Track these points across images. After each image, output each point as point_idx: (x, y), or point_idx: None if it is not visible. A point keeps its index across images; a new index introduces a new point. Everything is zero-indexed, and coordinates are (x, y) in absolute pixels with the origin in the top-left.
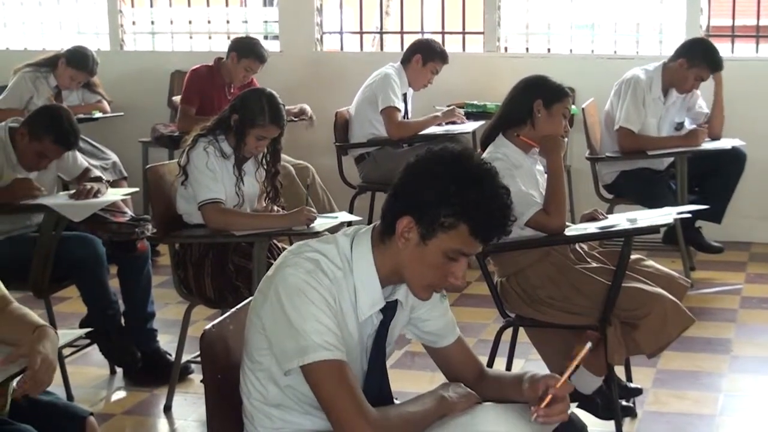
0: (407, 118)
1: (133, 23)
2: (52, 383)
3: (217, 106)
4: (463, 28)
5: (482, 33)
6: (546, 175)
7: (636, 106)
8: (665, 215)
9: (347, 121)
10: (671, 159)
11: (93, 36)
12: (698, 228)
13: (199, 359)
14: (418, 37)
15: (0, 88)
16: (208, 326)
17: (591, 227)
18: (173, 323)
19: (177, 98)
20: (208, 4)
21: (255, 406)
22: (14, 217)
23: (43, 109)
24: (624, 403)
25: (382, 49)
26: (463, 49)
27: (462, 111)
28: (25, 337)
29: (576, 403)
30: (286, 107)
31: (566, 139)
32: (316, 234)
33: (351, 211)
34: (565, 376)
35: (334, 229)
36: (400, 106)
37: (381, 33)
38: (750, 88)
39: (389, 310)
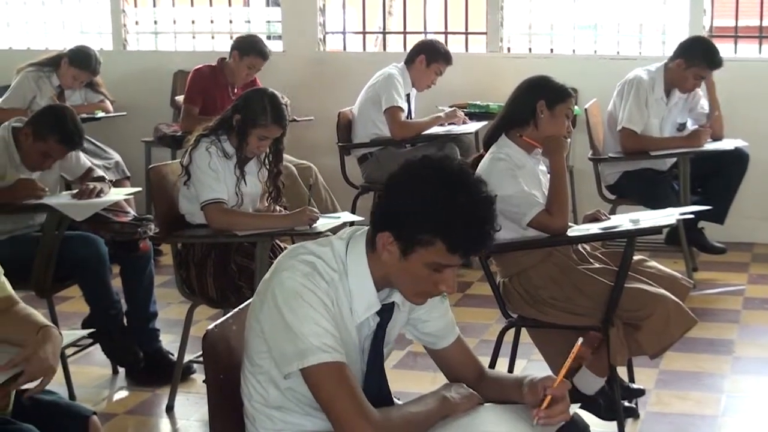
0: (410, 118)
1: (136, 23)
2: (51, 383)
3: (220, 106)
4: (466, 29)
5: (485, 33)
6: (549, 176)
7: (639, 107)
8: (668, 216)
9: (350, 121)
10: (674, 159)
11: (96, 35)
12: (701, 229)
13: (201, 359)
14: (421, 37)
15: (3, 87)
16: (211, 326)
17: (594, 228)
18: (175, 323)
19: (180, 98)
20: (211, 4)
21: (256, 408)
22: (17, 217)
23: (48, 109)
24: (626, 403)
25: (384, 49)
26: (466, 50)
27: (464, 113)
28: (30, 337)
29: (578, 404)
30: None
31: (569, 140)
32: (319, 234)
33: (353, 211)
34: (560, 375)
35: (336, 230)
36: (404, 106)
37: (384, 33)
38: (753, 88)
39: (386, 312)
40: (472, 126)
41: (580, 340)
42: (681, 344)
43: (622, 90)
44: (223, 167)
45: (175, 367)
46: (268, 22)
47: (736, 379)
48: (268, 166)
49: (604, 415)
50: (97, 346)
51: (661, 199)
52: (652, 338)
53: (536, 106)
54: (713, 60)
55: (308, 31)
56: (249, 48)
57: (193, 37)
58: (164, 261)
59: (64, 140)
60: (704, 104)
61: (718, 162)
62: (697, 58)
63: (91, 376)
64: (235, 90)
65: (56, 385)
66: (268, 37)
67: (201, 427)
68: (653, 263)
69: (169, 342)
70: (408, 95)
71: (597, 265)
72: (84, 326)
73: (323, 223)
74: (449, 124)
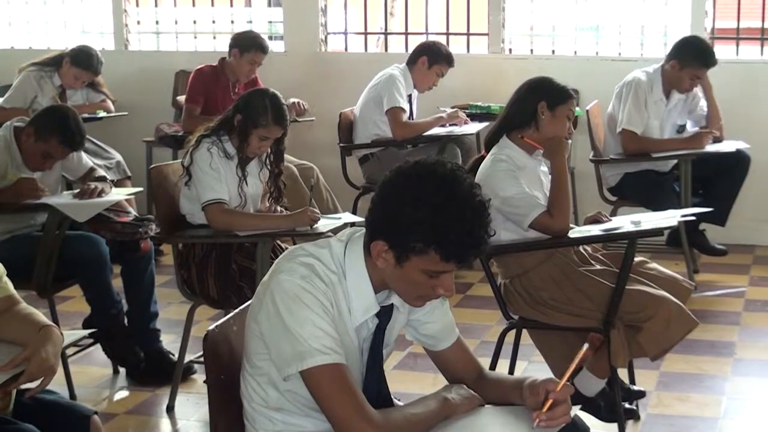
0: (412, 119)
1: (138, 23)
2: (52, 383)
3: (222, 106)
4: (468, 30)
5: (487, 34)
6: (550, 177)
7: (638, 108)
8: (669, 218)
9: (351, 122)
10: (675, 160)
11: (97, 35)
12: (702, 230)
13: (202, 359)
14: (423, 38)
15: (5, 87)
16: (212, 327)
17: (595, 229)
18: (176, 323)
19: (181, 98)
20: (212, 4)
21: (256, 409)
22: (18, 216)
23: (50, 110)
24: (627, 405)
25: (386, 49)
26: (468, 51)
27: (465, 113)
28: (31, 337)
29: (579, 406)
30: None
31: (570, 141)
32: (320, 235)
33: (354, 212)
34: (564, 378)
35: (337, 230)
36: (406, 107)
37: (385, 34)
38: (755, 90)
39: (384, 314)
40: (474, 127)
41: (586, 345)
42: (682, 346)
43: (621, 92)
44: (224, 168)
45: (175, 368)
46: (270, 22)
47: (737, 381)
48: (269, 167)
49: (604, 416)
50: (98, 346)
51: (662, 200)
52: (652, 340)
53: (537, 107)
54: (706, 59)
55: (310, 32)
56: (249, 44)
57: (195, 37)
58: (165, 261)
59: (66, 141)
60: (704, 106)
61: (720, 164)
62: (690, 58)
63: (91, 376)
64: (237, 89)
65: (57, 385)
66: (270, 38)
67: (201, 428)
68: (654, 265)
69: (169, 342)
70: (410, 96)
71: (598, 267)
72: (85, 326)
73: (324, 224)
74: (450, 125)
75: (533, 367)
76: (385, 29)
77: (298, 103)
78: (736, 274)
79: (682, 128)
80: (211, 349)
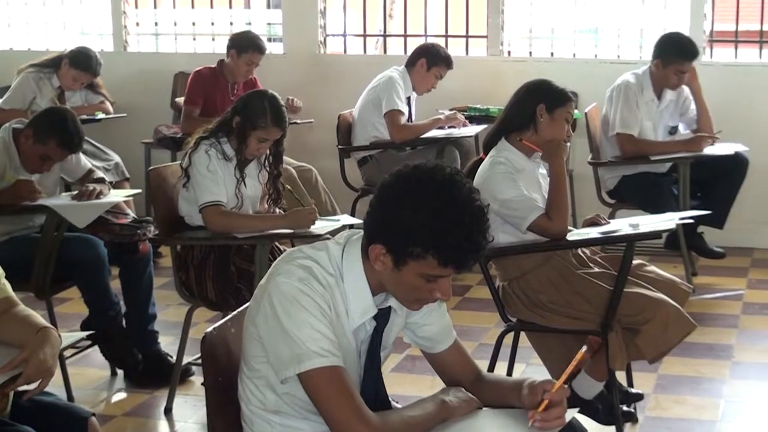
0: (411, 121)
1: (137, 24)
2: (49, 385)
3: (221, 108)
4: (467, 32)
5: (485, 37)
6: (548, 179)
7: (630, 110)
8: (667, 220)
9: (350, 124)
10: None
11: (96, 37)
12: (700, 233)
13: (200, 361)
14: (422, 40)
15: (3, 88)
16: (210, 329)
17: (593, 232)
18: (174, 325)
19: (180, 100)
20: (211, 6)
21: (254, 412)
22: (16, 218)
23: (49, 112)
24: (625, 408)
25: (385, 52)
26: (467, 53)
27: (464, 116)
28: (29, 338)
29: (577, 409)
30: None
31: (569, 144)
32: (318, 237)
33: (353, 214)
34: (560, 380)
35: (335, 232)
36: (404, 109)
37: (384, 36)
38: (753, 93)
39: (382, 316)
40: (472, 129)
41: (584, 348)
42: (680, 349)
43: (611, 96)
44: (222, 169)
45: (173, 370)
46: (269, 24)
47: (735, 384)
48: (268, 168)
49: (602, 419)
50: (96, 347)
51: (660, 203)
52: (650, 343)
53: (536, 109)
54: (687, 52)
55: (309, 34)
56: (246, 45)
57: (194, 39)
58: (163, 263)
59: (65, 143)
60: (695, 108)
61: (718, 166)
62: (671, 54)
63: (89, 377)
64: (236, 91)
65: (55, 387)
66: (269, 39)
67: (199, 430)
68: (653, 268)
69: (167, 344)
70: (408, 98)
71: (596, 270)
72: (83, 328)
73: (322, 226)
74: (449, 127)
75: (531, 370)
76: (384, 31)
77: (291, 99)
78: (734, 277)
79: (674, 130)
80: (209, 352)
